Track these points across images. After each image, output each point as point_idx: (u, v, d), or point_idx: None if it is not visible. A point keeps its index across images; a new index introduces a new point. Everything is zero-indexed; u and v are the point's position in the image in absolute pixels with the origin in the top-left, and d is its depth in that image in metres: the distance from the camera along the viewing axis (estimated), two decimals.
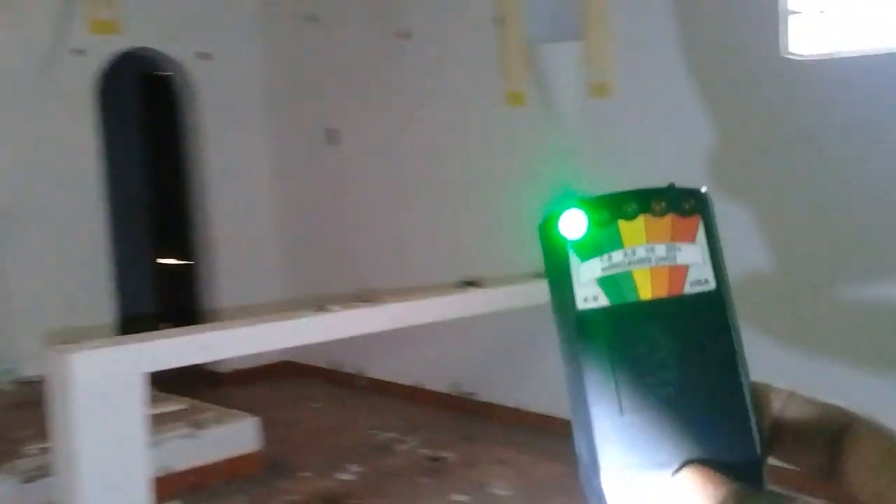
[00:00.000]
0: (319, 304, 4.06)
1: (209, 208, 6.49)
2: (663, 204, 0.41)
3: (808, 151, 3.99)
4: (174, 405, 4.69)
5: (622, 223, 0.41)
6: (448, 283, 4.66)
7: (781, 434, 0.42)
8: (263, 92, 6.63)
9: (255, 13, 6.58)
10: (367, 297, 4.32)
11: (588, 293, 0.41)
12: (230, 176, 6.51)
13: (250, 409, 4.90)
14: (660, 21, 4.45)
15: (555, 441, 4.86)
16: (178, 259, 7.34)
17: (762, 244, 4.11)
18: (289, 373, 6.44)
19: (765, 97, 4.10)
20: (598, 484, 0.40)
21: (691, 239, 0.41)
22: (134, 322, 6.60)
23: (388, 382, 5.93)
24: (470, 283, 4.54)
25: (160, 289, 7.84)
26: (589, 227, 0.41)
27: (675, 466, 0.40)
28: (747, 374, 0.41)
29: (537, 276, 4.73)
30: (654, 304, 0.41)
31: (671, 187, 0.42)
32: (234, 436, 4.56)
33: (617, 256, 0.41)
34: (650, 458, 0.40)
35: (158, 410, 4.55)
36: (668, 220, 0.41)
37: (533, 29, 5.02)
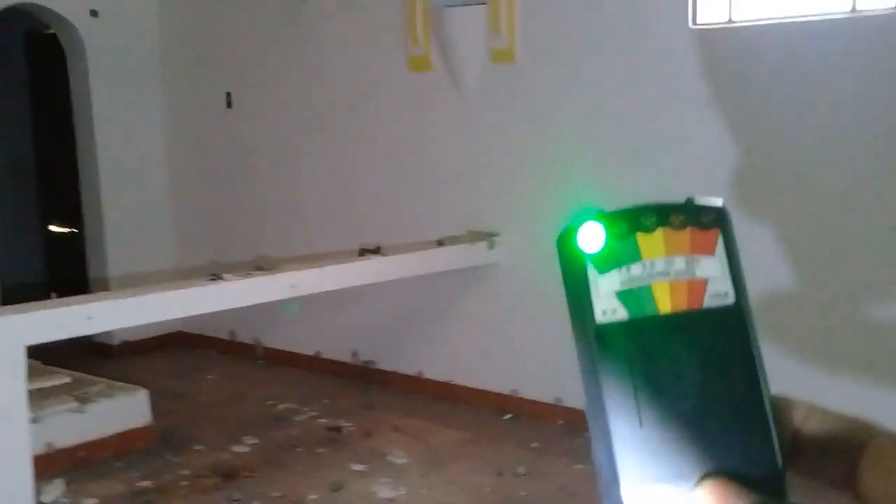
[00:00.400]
0: (214, 272, 3.93)
1: (99, 173, 6.21)
2: (682, 217, 0.42)
3: (718, 118, 4.04)
4: (58, 379, 4.49)
5: (641, 236, 0.41)
6: (348, 251, 4.58)
7: (802, 447, 0.42)
8: (158, 52, 6.37)
9: None
10: (264, 265, 4.21)
11: (607, 306, 0.41)
12: (121, 140, 6.24)
13: (142, 381, 4.74)
14: None
15: (453, 408, 4.85)
16: (68, 226, 7.04)
17: None
18: (183, 344, 6.26)
19: (674, 68, 4.12)
20: (618, 496, 0.40)
21: (710, 252, 0.41)
22: (20, 291, 6.30)
23: (287, 352, 5.82)
24: (370, 251, 4.47)
25: (49, 257, 7.50)
26: (607, 240, 0.41)
27: (696, 479, 0.40)
28: (767, 387, 0.41)
29: (439, 243, 4.70)
30: (674, 318, 0.41)
31: (690, 201, 0.42)
32: (124, 409, 4.40)
33: (636, 269, 0.41)
34: (670, 471, 0.40)
35: (41, 384, 4.36)
36: (687, 233, 0.42)
37: None
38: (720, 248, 0.42)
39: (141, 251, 6.25)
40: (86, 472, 4.14)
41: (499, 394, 4.80)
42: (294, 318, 5.01)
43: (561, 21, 4.44)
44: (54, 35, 6.33)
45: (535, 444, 4.35)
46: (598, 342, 0.41)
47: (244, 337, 6.07)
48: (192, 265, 6.02)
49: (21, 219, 7.46)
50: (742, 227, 0.45)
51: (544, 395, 4.59)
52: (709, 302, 0.41)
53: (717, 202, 0.42)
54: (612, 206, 0.42)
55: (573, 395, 4.41)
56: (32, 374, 4.49)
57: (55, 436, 4.10)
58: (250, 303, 4.13)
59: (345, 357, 5.53)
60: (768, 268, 3.80)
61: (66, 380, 4.51)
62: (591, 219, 0.42)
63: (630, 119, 4.28)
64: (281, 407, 5.01)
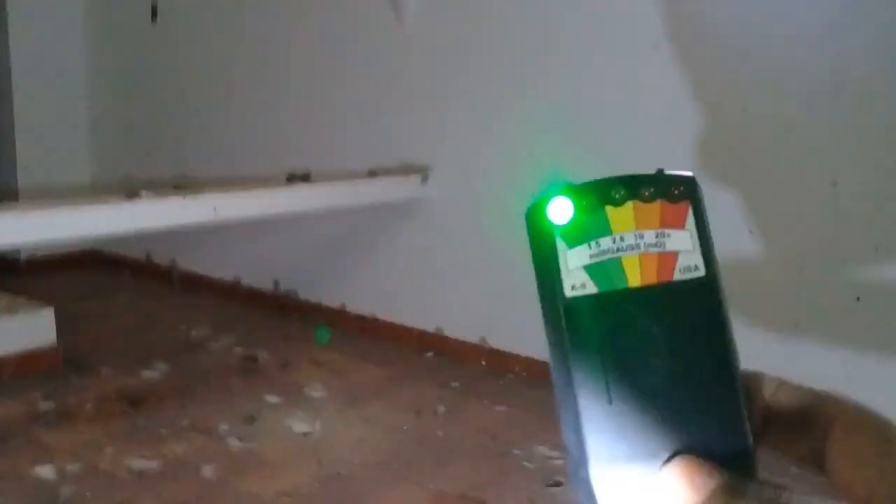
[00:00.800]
0: (130, 190, 3.71)
1: (12, 75, 5.85)
2: (652, 189, 0.41)
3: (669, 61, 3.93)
4: None
5: (610, 209, 0.41)
6: (275, 175, 4.39)
7: (772, 423, 0.42)
8: None
9: None
10: (183, 185, 3.99)
11: (576, 280, 0.41)
12: (38, 40, 5.88)
13: (48, 300, 4.50)
14: None
15: (375, 344, 4.75)
16: None
17: None
18: (95, 263, 6.00)
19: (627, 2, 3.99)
20: (587, 475, 0.40)
21: (680, 225, 0.41)
22: None
23: (205, 277, 5.62)
24: (298, 177, 4.29)
25: None
26: (576, 213, 0.41)
27: (666, 456, 0.39)
28: (738, 362, 0.40)
29: (370, 173, 4.54)
30: (644, 292, 0.41)
31: (660, 173, 0.42)
32: (26, 328, 4.17)
33: (605, 243, 0.41)
34: (640, 448, 0.39)
35: None
36: (657, 205, 0.41)
37: None
38: (690, 221, 0.41)
39: (54, 162, 5.94)
40: None
41: (422, 331, 4.70)
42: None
43: None
44: None
45: (455, 384, 4.27)
46: (566, 317, 0.40)
47: (160, 259, 5.84)
48: (108, 180, 5.75)
49: None
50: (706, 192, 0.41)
51: (468, 334, 4.51)
52: (679, 275, 0.41)
53: (688, 174, 0.42)
54: (572, 174, 0.42)
55: (497, 336, 4.34)
56: None
57: None
58: (168, 223, 3.92)
59: (265, 286, 5.36)
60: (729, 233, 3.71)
61: None
62: (559, 192, 0.41)
63: (580, 58, 4.14)
64: (195, 333, 4.84)
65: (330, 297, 5.08)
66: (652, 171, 0.42)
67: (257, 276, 5.39)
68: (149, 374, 4.24)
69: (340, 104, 4.93)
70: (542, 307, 0.41)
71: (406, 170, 4.59)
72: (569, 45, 4.14)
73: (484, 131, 4.38)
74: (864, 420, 0.40)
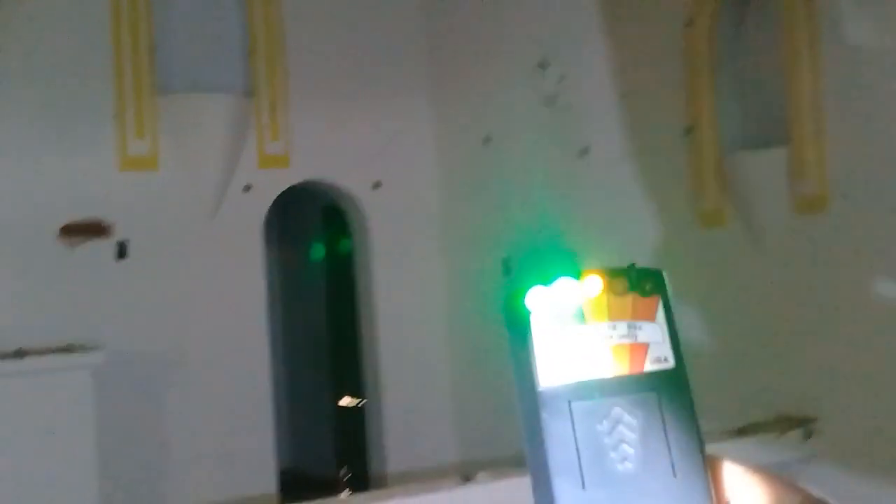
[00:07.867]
0: (466, 473, 3.41)
1: (380, 348, 6.05)
2: (625, 284, 0.44)
3: None
4: None
5: (585, 301, 0.44)
6: None
7: None
8: (437, 220, 6.22)
9: (428, 139, 6.24)
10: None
11: (551, 369, 0.43)
12: (402, 310, 6.09)
13: None
14: (886, 122, 3.59)
15: None
16: (355, 399, 6.90)
17: None
18: None
19: None
20: None
21: (651, 318, 0.44)
22: (302, 484, 6.21)
23: None
24: None
25: (336, 435, 7.32)
26: (553, 304, 0.43)
27: None
28: (704, 450, 0.43)
29: (740, 431, 3.86)
30: (616, 382, 0.43)
31: (632, 267, 0.45)
32: None
33: (580, 333, 0.44)
34: None
35: None
36: (630, 298, 0.44)
37: (728, 136, 4.29)
38: (660, 314, 0.44)
39: (420, 437, 5.95)
40: None
41: None
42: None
43: (884, 160, 3.60)
44: (339, 209, 6.42)
45: None
46: (542, 405, 0.43)
47: None
48: (472, 460, 5.60)
49: (312, 392, 7.49)
50: None
51: None
52: (649, 366, 0.44)
53: (658, 269, 0.45)
54: (563, 272, 0.41)
55: None
56: None
57: None
58: None
59: None
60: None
61: None
62: (537, 283, 0.43)
63: None
64: None
65: None
66: (624, 266, 0.44)
67: None
68: None
69: (704, 350, 4.38)
70: (518, 395, 0.43)
71: (783, 425, 3.86)
72: None
73: (880, 370, 3.60)
74: None
